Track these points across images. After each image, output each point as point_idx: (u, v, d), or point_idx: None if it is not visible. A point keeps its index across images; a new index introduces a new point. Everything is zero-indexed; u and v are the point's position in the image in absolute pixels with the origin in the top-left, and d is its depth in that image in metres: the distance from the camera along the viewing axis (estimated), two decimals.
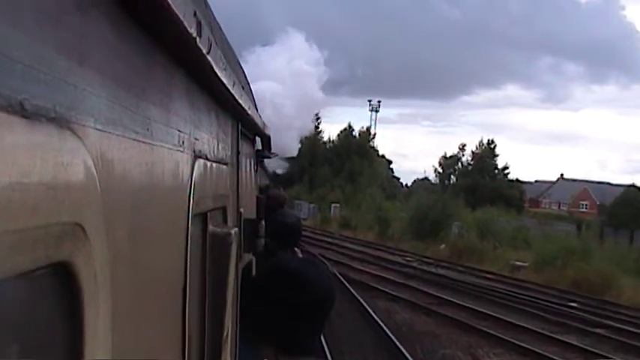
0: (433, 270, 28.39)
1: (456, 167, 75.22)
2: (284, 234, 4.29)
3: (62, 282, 0.66)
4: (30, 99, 0.57)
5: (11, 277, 0.54)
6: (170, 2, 0.90)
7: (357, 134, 67.73)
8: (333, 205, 55.00)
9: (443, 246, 36.30)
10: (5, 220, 0.51)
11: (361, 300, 19.14)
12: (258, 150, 3.91)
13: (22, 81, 0.57)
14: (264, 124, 3.48)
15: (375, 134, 70.29)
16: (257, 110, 3.06)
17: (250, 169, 3.39)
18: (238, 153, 2.60)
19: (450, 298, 20.54)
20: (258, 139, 3.82)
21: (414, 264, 30.33)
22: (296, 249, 4.90)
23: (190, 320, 1.36)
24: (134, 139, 0.93)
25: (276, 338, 2.51)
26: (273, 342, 2.53)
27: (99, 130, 0.75)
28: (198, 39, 1.13)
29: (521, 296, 22.36)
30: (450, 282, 24.71)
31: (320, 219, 53.21)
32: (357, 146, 64.84)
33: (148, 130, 1.01)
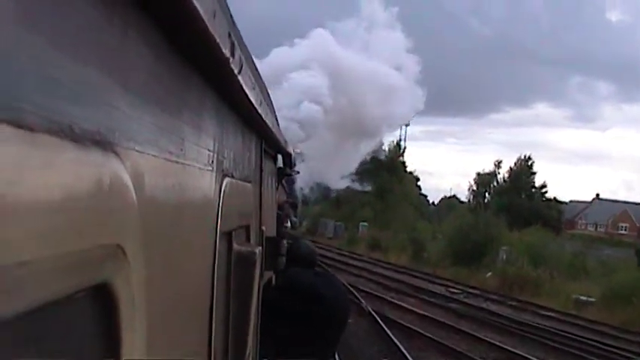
0: (484, 305, 24.06)
1: (492, 185, 70.41)
2: (296, 262, 4.34)
3: (102, 303, 0.67)
4: (78, 122, 0.58)
5: (56, 300, 0.54)
6: (207, 24, 0.91)
7: (387, 148, 62.93)
8: (361, 223, 49.65)
9: (489, 274, 31.40)
10: (54, 243, 0.52)
11: (407, 355, 14.90)
12: (279, 168, 3.91)
13: (71, 105, 0.58)
14: (285, 141, 3.53)
15: (405, 148, 65.39)
16: (279, 127, 3.12)
17: (272, 187, 3.42)
18: (262, 171, 2.63)
19: (520, 352, 16.30)
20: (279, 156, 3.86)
21: (460, 296, 25.87)
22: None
23: (216, 339, 1.37)
24: (169, 160, 0.94)
25: (291, 353, 2.50)
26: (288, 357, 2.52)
27: (138, 151, 0.77)
28: (231, 59, 1.14)
29: (605, 347, 18.18)
30: (510, 324, 20.38)
31: (347, 239, 47.77)
32: (386, 161, 60.34)
33: (181, 150, 1.02)
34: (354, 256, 38.28)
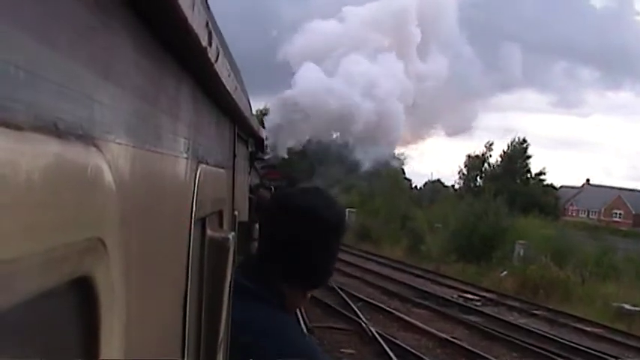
0: (511, 319, 19.03)
1: (483, 169, 64.58)
2: None
3: (83, 296, 0.68)
4: (62, 118, 0.59)
5: (38, 295, 0.55)
6: (187, 16, 0.92)
7: None
8: (348, 210, 41.52)
9: (504, 273, 26.38)
10: (40, 239, 0.53)
11: None
12: (251, 152, 3.94)
13: (55, 100, 0.58)
14: (258, 126, 3.59)
15: None
16: (251, 111, 3.18)
17: (245, 171, 3.43)
18: (235, 156, 2.63)
19: None
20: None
21: (477, 304, 21.04)
22: None
23: (190, 325, 1.38)
24: (147, 150, 0.95)
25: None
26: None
27: (118, 143, 0.78)
28: (208, 49, 1.16)
29: None
30: (558, 351, 15.49)
31: None
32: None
33: (159, 139, 1.03)
34: (342, 247, 32.84)
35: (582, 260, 26.88)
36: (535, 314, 20.42)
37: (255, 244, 2.75)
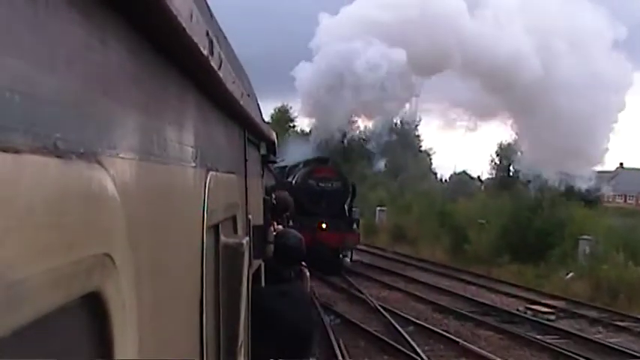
0: (598, 337, 15.13)
1: (514, 157, 65.69)
2: (284, 254, 4.25)
3: (93, 311, 0.68)
4: (62, 138, 0.60)
5: (49, 313, 0.56)
6: (185, 26, 0.92)
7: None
8: (378, 208, 39.43)
9: (570, 275, 22.31)
10: (44, 259, 0.53)
11: None
12: (263, 155, 3.95)
13: (54, 121, 0.59)
14: (268, 129, 3.62)
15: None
16: (261, 115, 3.20)
17: (257, 175, 3.44)
18: (246, 160, 2.64)
19: None
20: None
21: (550, 317, 16.75)
22: (303, 265, 5.04)
23: (207, 332, 1.39)
24: (153, 162, 0.95)
25: None
26: None
27: (121, 158, 0.78)
28: (210, 57, 1.16)
29: None
30: None
31: (363, 228, 32.02)
32: (399, 135, 50.31)
33: (164, 150, 1.03)
34: (375, 251, 28.97)
35: None
36: (623, 327, 16.49)
37: (271, 247, 2.76)
